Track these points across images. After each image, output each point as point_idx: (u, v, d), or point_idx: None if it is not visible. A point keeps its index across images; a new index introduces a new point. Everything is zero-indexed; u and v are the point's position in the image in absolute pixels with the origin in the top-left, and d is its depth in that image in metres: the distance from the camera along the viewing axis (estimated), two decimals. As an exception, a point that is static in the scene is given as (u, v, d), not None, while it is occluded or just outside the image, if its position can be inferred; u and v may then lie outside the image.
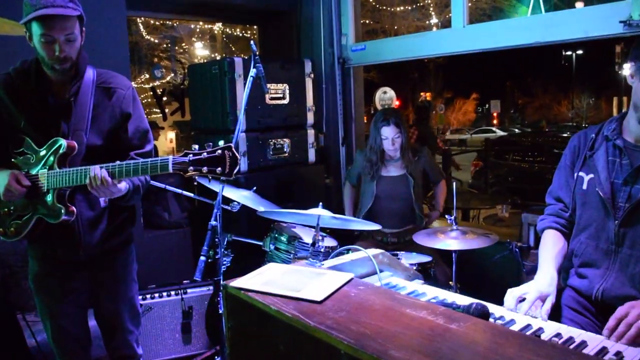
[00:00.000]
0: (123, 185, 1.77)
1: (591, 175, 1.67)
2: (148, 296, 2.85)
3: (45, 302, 1.97)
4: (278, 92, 3.48)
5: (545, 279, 1.60)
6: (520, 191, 8.12)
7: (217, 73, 3.33)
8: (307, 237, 2.75)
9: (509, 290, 1.54)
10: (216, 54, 10.64)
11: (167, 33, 10.09)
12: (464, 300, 1.46)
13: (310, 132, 3.69)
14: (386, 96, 6.47)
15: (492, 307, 1.42)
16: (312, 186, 3.67)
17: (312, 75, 3.66)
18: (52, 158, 1.78)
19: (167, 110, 7.23)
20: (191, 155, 1.61)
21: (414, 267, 2.32)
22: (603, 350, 1.22)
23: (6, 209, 1.86)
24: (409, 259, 2.69)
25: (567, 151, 1.80)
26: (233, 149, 1.62)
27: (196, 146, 1.64)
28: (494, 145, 10.54)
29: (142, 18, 8.32)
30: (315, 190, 3.66)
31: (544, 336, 1.30)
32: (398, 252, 2.73)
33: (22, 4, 1.72)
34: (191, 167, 1.60)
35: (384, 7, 9.88)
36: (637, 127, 1.60)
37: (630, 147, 1.62)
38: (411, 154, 3.11)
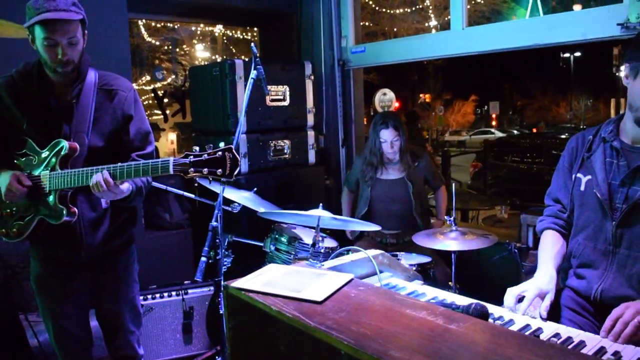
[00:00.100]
0: (125, 187, 1.78)
1: (589, 177, 1.68)
2: (149, 297, 2.86)
3: (47, 303, 1.97)
4: (278, 94, 3.50)
5: (544, 277, 1.62)
6: (519, 192, 8.13)
7: (218, 75, 3.34)
8: (307, 238, 2.76)
9: (509, 290, 1.55)
10: (217, 56, 10.66)
11: (168, 35, 10.10)
12: (463, 300, 1.47)
13: (311, 134, 3.71)
14: (386, 98, 6.48)
15: (491, 308, 1.43)
16: (312, 187, 3.68)
17: (312, 77, 3.68)
18: (54, 159, 1.79)
19: (168, 112, 7.24)
20: (192, 156, 1.62)
21: (414, 268, 2.33)
22: (601, 350, 1.23)
23: (8, 210, 1.87)
24: (408, 260, 2.70)
25: (565, 153, 1.81)
26: (233, 151, 1.63)
27: (197, 148, 1.65)
28: (492, 147, 10.54)
29: (144, 20, 8.33)
30: (315, 192, 3.67)
31: (543, 336, 1.31)
32: (398, 253, 2.74)
33: (25, 7, 1.74)
34: (192, 169, 1.61)
35: (384, 10, 9.90)
36: (634, 128, 1.61)
37: (627, 149, 1.63)
38: (411, 158, 3.10)
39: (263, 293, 1.40)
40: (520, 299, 1.53)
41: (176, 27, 9.59)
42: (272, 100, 3.47)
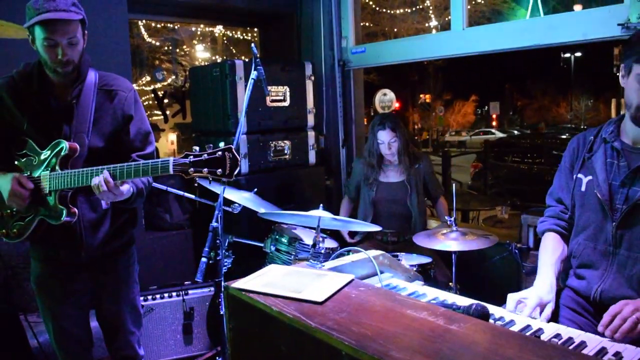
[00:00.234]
0: (126, 188, 1.78)
1: (590, 177, 1.68)
2: (149, 297, 2.86)
3: (47, 304, 1.98)
4: (279, 95, 3.50)
5: (545, 285, 1.61)
6: (519, 192, 8.14)
7: (218, 75, 3.34)
8: (307, 238, 2.76)
9: (509, 295, 1.55)
10: (217, 57, 10.66)
11: (168, 36, 10.10)
12: (464, 301, 1.47)
13: (311, 134, 3.71)
14: (386, 98, 6.47)
15: (491, 308, 1.43)
16: (312, 188, 3.68)
17: (312, 78, 3.68)
18: (54, 160, 1.79)
19: (168, 113, 7.24)
20: (192, 156, 1.62)
21: (414, 268, 2.33)
22: (602, 351, 1.23)
23: (9, 211, 1.87)
24: (409, 260, 2.70)
25: (567, 153, 1.81)
26: (233, 151, 1.63)
27: (197, 148, 1.65)
28: (493, 147, 10.56)
29: (144, 21, 8.34)
30: (315, 192, 3.67)
31: (544, 337, 1.31)
32: (398, 254, 2.74)
33: (25, 7, 1.74)
34: (192, 169, 1.61)
35: (384, 10, 9.90)
36: (634, 128, 1.61)
37: (627, 149, 1.63)
38: (410, 160, 3.08)
39: (263, 294, 1.40)
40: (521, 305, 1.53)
41: (176, 27, 9.59)
42: (273, 101, 3.47)
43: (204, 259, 2.09)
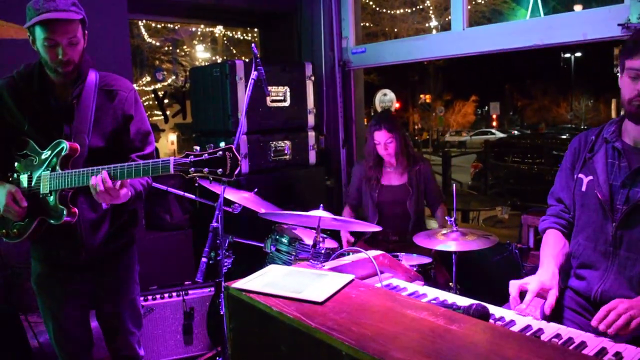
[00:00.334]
0: (124, 192, 1.77)
1: (590, 177, 1.68)
2: (149, 297, 2.86)
3: (47, 304, 1.98)
4: (279, 95, 3.50)
5: (547, 273, 1.62)
6: (519, 193, 8.15)
7: (219, 76, 3.34)
8: (308, 238, 2.76)
9: (512, 282, 1.56)
10: (217, 57, 10.67)
11: (169, 36, 10.11)
12: (464, 301, 1.47)
13: (311, 134, 3.71)
14: (386, 98, 6.49)
15: (492, 308, 1.43)
16: (312, 188, 3.69)
17: (312, 78, 3.68)
18: (54, 160, 1.79)
19: (168, 113, 7.24)
20: (192, 156, 1.62)
21: (414, 269, 2.33)
22: (602, 351, 1.22)
23: (9, 211, 1.88)
24: (409, 261, 2.70)
25: (568, 153, 1.81)
26: (234, 150, 1.62)
27: (197, 148, 1.65)
28: (493, 147, 10.56)
29: (144, 21, 8.34)
30: (316, 192, 3.67)
31: (544, 337, 1.31)
32: (398, 254, 2.75)
33: (25, 8, 1.74)
34: (192, 169, 1.61)
35: (384, 10, 9.91)
36: (635, 128, 1.61)
37: (628, 150, 1.63)
38: (407, 161, 3.05)
39: (264, 294, 1.40)
40: (523, 293, 1.53)
41: (176, 27, 9.60)
42: (273, 101, 3.47)
43: (204, 259, 2.09)
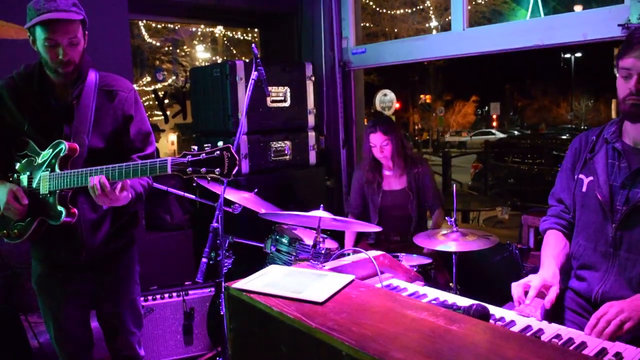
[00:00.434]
0: (124, 195, 1.77)
1: (591, 178, 1.68)
2: (150, 297, 2.86)
3: (48, 304, 1.98)
4: (279, 95, 3.50)
5: (548, 271, 1.62)
6: (519, 193, 8.14)
7: (219, 76, 3.34)
8: (308, 239, 2.76)
9: (514, 283, 1.56)
10: (217, 57, 10.68)
11: (169, 36, 10.12)
12: (464, 301, 1.47)
13: (311, 135, 3.71)
14: (386, 98, 6.49)
15: (492, 309, 1.43)
16: (313, 188, 3.69)
17: (313, 78, 3.68)
18: (54, 160, 1.79)
19: (168, 113, 7.25)
20: (190, 156, 1.61)
21: (415, 269, 2.33)
22: (602, 352, 1.22)
23: (9, 211, 1.88)
24: (409, 261, 2.70)
25: (569, 153, 1.81)
26: (232, 150, 1.62)
27: (195, 147, 1.65)
28: (493, 148, 10.56)
29: (144, 21, 8.35)
30: (316, 193, 3.67)
31: (544, 337, 1.31)
32: (399, 254, 2.75)
33: (26, 8, 1.74)
34: (190, 168, 1.61)
35: (384, 10, 9.91)
36: (634, 129, 1.61)
37: (628, 150, 1.63)
38: (404, 164, 3.01)
39: (264, 294, 1.40)
40: (526, 293, 1.54)
41: (177, 28, 9.60)
42: (273, 101, 3.47)
43: (204, 260, 2.09)
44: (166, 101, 7.37)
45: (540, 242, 1.84)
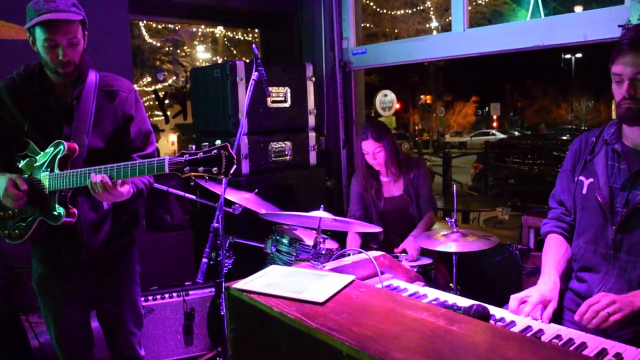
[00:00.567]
0: (126, 190, 1.77)
1: (591, 180, 1.68)
2: (150, 298, 2.86)
3: (48, 304, 1.98)
4: (279, 95, 3.50)
5: (547, 284, 1.62)
6: (520, 193, 8.15)
7: (219, 76, 3.34)
8: (308, 239, 2.76)
9: (512, 296, 1.56)
10: (218, 57, 10.69)
11: (169, 36, 10.13)
12: (464, 302, 1.47)
13: (312, 135, 3.71)
14: (387, 99, 6.49)
15: (492, 309, 1.43)
16: (313, 189, 3.68)
17: (313, 79, 3.68)
18: (53, 160, 1.79)
19: (169, 113, 7.25)
20: (187, 155, 1.61)
21: (415, 269, 2.33)
22: (603, 352, 1.23)
23: (10, 212, 1.88)
24: (409, 261, 2.70)
25: (569, 154, 1.81)
26: (229, 149, 1.61)
27: (193, 146, 1.65)
28: (493, 148, 10.56)
29: (144, 21, 8.35)
30: (316, 193, 3.67)
31: (544, 338, 1.31)
32: (399, 255, 2.74)
33: (26, 8, 1.74)
34: (187, 168, 1.60)
35: (385, 11, 9.91)
36: (631, 130, 1.61)
37: (628, 152, 1.63)
38: (398, 170, 2.95)
39: (264, 294, 1.40)
40: (524, 303, 1.54)
41: (177, 28, 9.61)
42: (273, 102, 3.47)
43: (204, 260, 2.09)
44: (166, 101, 7.37)
45: (540, 242, 1.85)
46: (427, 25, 10.89)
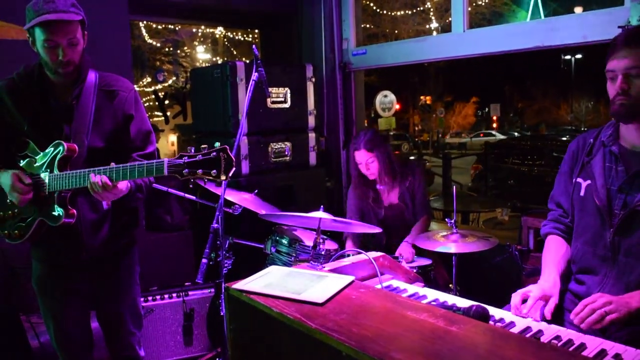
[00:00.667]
0: (124, 185, 1.78)
1: (589, 182, 1.68)
2: (150, 298, 2.86)
3: (48, 304, 1.98)
4: (279, 96, 3.50)
5: (548, 281, 1.63)
6: (519, 194, 8.14)
7: (219, 77, 3.35)
8: (308, 239, 2.76)
9: (514, 293, 1.56)
10: (218, 58, 10.69)
11: (169, 37, 10.13)
12: (464, 302, 1.47)
13: (312, 136, 3.71)
14: (386, 100, 6.48)
15: (491, 310, 1.43)
16: (313, 189, 3.69)
17: (313, 79, 3.68)
18: (53, 161, 1.80)
19: (169, 114, 7.25)
20: (186, 157, 1.61)
21: (414, 270, 2.33)
22: (602, 353, 1.23)
23: (10, 212, 1.88)
24: (409, 262, 2.70)
25: (566, 156, 1.81)
26: (228, 151, 1.61)
27: (192, 149, 1.65)
28: (493, 149, 10.56)
29: (144, 22, 8.36)
30: (316, 194, 3.67)
31: (544, 338, 1.31)
32: (399, 255, 2.74)
33: (25, 9, 1.74)
34: (186, 170, 1.61)
35: (385, 12, 9.91)
36: (630, 131, 1.61)
37: (625, 154, 1.62)
38: (392, 179, 2.91)
39: (264, 295, 1.40)
40: (525, 300, 1.54)
41: (177, 28, 9.61)
42: (273, 102, 3.47)
43: (204, 260, 2.09)
44: (166, 102, 7.37)
45: (540, 243, 1.85)
46: (427, 26, 10.89)
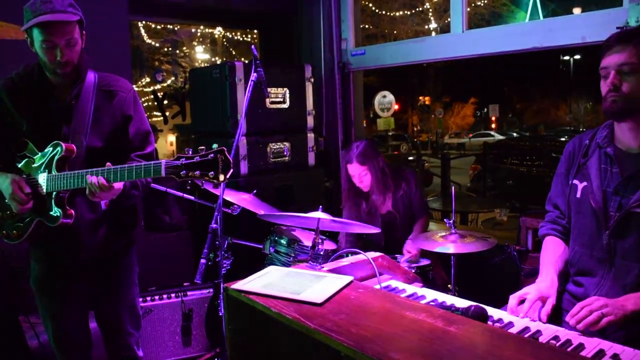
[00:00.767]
0: (120, 184, 1.78)
1: (585, 183, 1.68)
2: (148, 298, 2.86)
3: (46, 304, 1.98)
4: (278, 96, 3.50)
5: (545, 282, 1.63)
6: (518, 195, 8.15)
7: (218, 77, 3.35)
8: (307, 240, 2.76)
9: (511, 296, 1.56)
10: (217, 58, 10.68)
11: (168, 37, 10.12)
12: (462, 303, 1.48)
13: (310, 136, 3.71)
14: (385, 100, 6.48)
15: (490, 310, 1.43)
16: (312, 190, 3.69)
17: (312, 80, 3.68)
18: (51, 162, 1.79)
19: (168, 114, 7.24)
20: (184, 159, 1.61)
21: (413, 270, 2.33)
22: (600, 353, 1.23)
23: (8, 212, 1.88)
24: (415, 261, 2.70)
25: (563, 158, 1.81)
26: (226, 153, 1.61)
27: (190, 150, 1.65)
28: (492, 149, 10.57)
29: (143, 22, 8.35)
30: (315, 194, 3.67)
31: (542, 339, 1.32)
32: (397, 256, 2.75)
33: (23, 9, 1.74)
34: (183, 171, 1.61)
35: (384, 12, 9.92)
36: (622, 132, 1.62)
37: (620, 155, 1.62)
38: (384, 190, 2.85)
39: (263, 295, 1.40)
40: (522, 302, 1.54)
41: (176, 29, 9.60)
42: (272, 103, 3.47)
43: (203, 260, 2.09)
44: (165, 102, 7.36)
45: (538, 243, 1.85)
46: (426, 27, 10.89)
